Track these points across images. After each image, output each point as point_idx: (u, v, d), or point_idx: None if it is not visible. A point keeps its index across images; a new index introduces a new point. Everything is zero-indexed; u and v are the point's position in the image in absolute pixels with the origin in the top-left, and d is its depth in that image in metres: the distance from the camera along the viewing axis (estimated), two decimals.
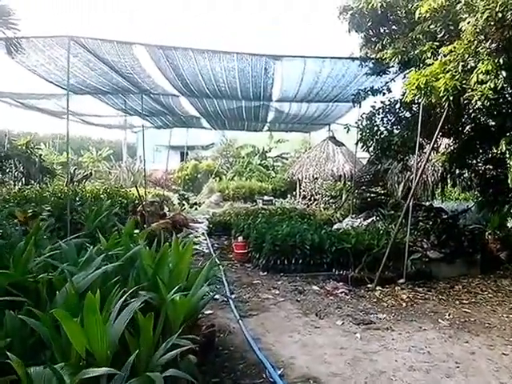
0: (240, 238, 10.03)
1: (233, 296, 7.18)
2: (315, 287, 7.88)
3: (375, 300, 7.32)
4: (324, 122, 17.53)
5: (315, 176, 20.45)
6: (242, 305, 6.86)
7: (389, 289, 7.93)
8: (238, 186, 25.91)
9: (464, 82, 6.73)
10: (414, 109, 9.63)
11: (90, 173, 20.80)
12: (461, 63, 6.76)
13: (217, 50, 8.60)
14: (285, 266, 8.64)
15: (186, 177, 29.38)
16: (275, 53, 8.86)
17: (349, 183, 20.21)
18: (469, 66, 6.72)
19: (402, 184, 13.27)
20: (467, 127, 10.65)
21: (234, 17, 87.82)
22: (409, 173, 13.02)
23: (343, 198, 19.67)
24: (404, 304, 7.15)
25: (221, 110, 14.75)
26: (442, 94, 6.73)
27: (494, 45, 6.63)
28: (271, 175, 28.52)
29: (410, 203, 8.31)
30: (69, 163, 27.57)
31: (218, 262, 9.34)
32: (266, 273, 8.69)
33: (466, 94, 6.69)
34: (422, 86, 6.86)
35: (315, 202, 20.35)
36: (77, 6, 76.62)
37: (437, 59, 7.09)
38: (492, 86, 6.41)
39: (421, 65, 7.48)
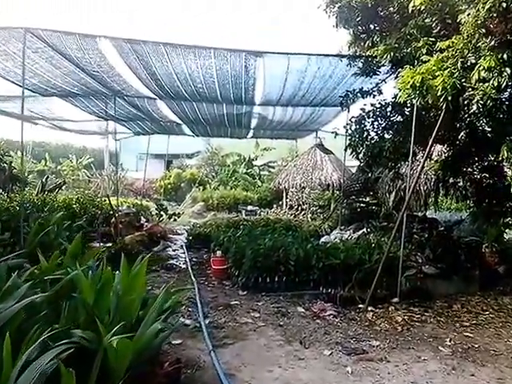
0: (218, 253, 9.20)
1: (207, 321, 6.32)
2: (300, 309, 7.06)
3: (367, 323, 6.53)
4: (311, 128, 16.86)
5: (302, 185, 19.90)
6: (217, 331, 6.02)
7: (382, 309, 7.15)
8: (223, 195, 25.19)
9: (464, 80, 6.03)
10: (406, 112, 8.95)
11: (64, 181, 19.87)
12: (460, 60, 6.07)
13: (191, 45, 7.81)
14: (267, 285, 7.78)
15: (169, 186, 28.64)
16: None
17: (337, 192, 19.64)
18: (469, 63, 6.03)
19: (394, 193, 12.56)
20: (462, 133, 10.05)
21: (233, 17, 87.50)
22: (400, 181, 12.35)
23: (331, 208, 19.05)
24: (399, 328, 6.37)
25: (201, 114, 13.97)
26: (439, 94, 6.01)
27: (496, 39, 5.94)
28: (257, 184, 27.90)
29: (404, 214, 7.54)
30: (46, 171, 27.32)
31: (194, 278, 8.67)
32: (245, 292, 7.83)
33: (466, 94, 5.99)
34: (418, 85, 6.15)
35: (302, 212, 19.72)
36: (77, 7, 76.02)
37: (433, 56, 6.39)
38: (495, 84, 5.73)
39: (415, 62, 6.76)
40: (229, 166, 30.17)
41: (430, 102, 6.24)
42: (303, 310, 6.97)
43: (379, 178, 13.34)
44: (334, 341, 5.76)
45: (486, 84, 5.74)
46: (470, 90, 5.90)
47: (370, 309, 7.14)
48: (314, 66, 8.73)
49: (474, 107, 5.84)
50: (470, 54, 6.01)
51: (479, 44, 5.94)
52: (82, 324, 3.28)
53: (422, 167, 7.49)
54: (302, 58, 8.45)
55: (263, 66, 8.85)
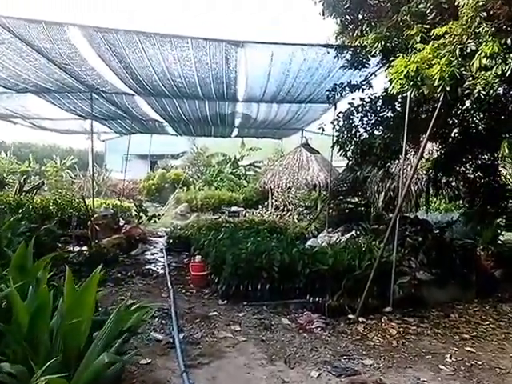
0: (197, 258, 8.58)
1: (181, 335, 5.67)
2: (285, 320, 6.43)
3: (359, 337, 5.93)
4: (297, 126, 16.28)
5: (288, 185, 19.47)
6: (192, 348, 5.37)
7: (374, 320, 6.56)
8: (207, 195, 24.58)
9: (463, 69, 5.48)
10: (397, 108, 8.41)
11: (42, 182, 19.15)
12: (458, 46, 5.52)
13: (166, 34, 7.17)
14: (249, 293, 7.10)
15: (153, 186, 27.95)
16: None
17: (324, 193, 19.23)
18: (468, 50, 5.48)
19: (383, 194, 12.03)
20: (455, 130, 9.58)
21: (233, 17, 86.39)
22: (390, 181, 11.83)
23: (318, 209, 18.60)
24: (394, 342, 5.79)
25: (183, 112, 13.31)
26: (436, 84, 5.45)
27: (499, 23, 5.39)
28: (243, 184, 27.37)
29: (397, 216, 6.96)
30: (30, 172, 26.57)
31: (171, 286, 8.03)
32: (225, 301, 7.18)
33: (466, 83, 5.43)
34: (412, 74, 5.60)
35: (288, 213, 19.18)
36: (76, 6, 74.95)
37: (427, 44, 5.82)
38: (498, 72, 5.20)
39: (409, 50, 6.19)
40: (214, 166, 29.65)
41: (425, 93, 5.67)
42: (288, 322, 6.36)
43: (367, 178, 12.82)
44: (322, 359, 5.16)
45: (488, 72, 5.20)
46: (471, 79, 5.35)
47: (360, 320, 6.56)
48: (300, 57, 8.12)
49: (483, 93, 5.23)
50: (469, 40, 5.47)
51: (480, 29, 5.39)
52: (13, 355, 2.65)
53: (417, 165, 6.90)
54: (287, 48, 7.83)
55: (245, 58, 8.23)
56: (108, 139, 33.60)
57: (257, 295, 7.09)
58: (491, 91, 5.20)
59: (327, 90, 8.31)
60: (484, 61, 5.20)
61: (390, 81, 6.04)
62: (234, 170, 29.09)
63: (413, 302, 7.19)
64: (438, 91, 5.47)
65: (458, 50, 5.44)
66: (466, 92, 5.40)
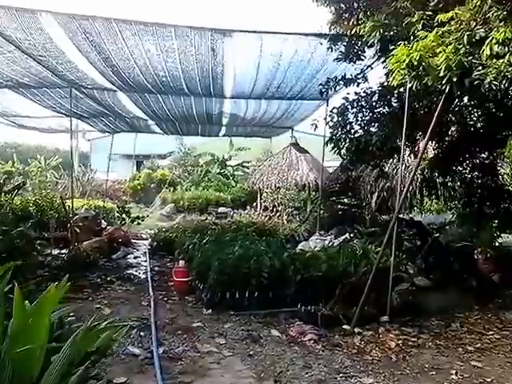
0: (181, 263, 8.02)
1: (161, 349, 5.12)
2: (275, 332, 5.90)
3: (355, 351, 5.42)
4: (286, 124, 15.76)
5: (277, 185, 19.05)
6: (173, 364, 4.82)
7: (370, 332, 6.06)
8: (194, 196, 24.13)
9: (470, 57, 5.00)
10: (393, 103, 7.95)
11: (23, 182, 18.41)
12: (466, 33, 5.02)
13: (146, 22, 6.61)
14: (236, 301, 6.54)
15: (138, 187, 27.37)
16: None
17: (313, 193, 18.86)
18: (477, 37, 4.98)
19: (376, 194, 11.58)
20: (452, 128, 9.19)
21: (221, 6, 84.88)
22: (383, 181, 11.39)
23: (308, 210, 18.20)
24: (394, 357, 5.29)
25: (168, 109, 12.71)
26: (442, 74, 4.97)
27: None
28: (231, 185, 26.94)
29: (396, 218, 6.47)
30: (14, 173, 25.95)
31: (152, 293, 7.50)
32: (210, 310, 6.63)
33: (476, 73, 4.94)
34: (415, 64, 5.11)
35: (277, 214, 18.74)
36: (73, 5, 73.66)
37: (431, 32, 5.34)
38: None
39: (410, 39, 5.71)
40: (202, 166, 29.29)
41: (429, 84, 5.19)
42: (278, 334, 5.83)
43: (360, 178, 12.37)
44: (316, 377, 4.63)
45: (501, 60, 4.71)
46: (480, 68, 4.87)
47: (356, 330, 6.06)
48: (291, 49, 7.61)
49: (494, 84, 4.75)
50: (478, 26, 4.99)
51: (490, 14, 4.92)
52: None
53: (419, 164, 6.41)
54: (277, 39, 7.31)
55: (233, 50, 7.70)
56: (94, 139, 33.16)
57: (244, 304, 6.54)
58: (504, 81, 4.73)
59: (320, 84, 7.79)
60: (495, 48, 4.72)
61: (389, 72, 5.58)
62: (222, 170, 28.74)
63: (410, 310, 6.72)
64: (444, 82, 4.99)
65: (465, 37, 4.96)
66: (476, 82, 4.90)
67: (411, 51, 5.13)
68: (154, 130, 18.00)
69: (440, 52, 4.97)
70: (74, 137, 32.05)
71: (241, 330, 5.88)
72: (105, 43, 7.45)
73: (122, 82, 9.63)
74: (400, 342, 5.74)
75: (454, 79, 4.92)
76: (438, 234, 9.13)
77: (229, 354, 5.13)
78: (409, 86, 5.46)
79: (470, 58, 4.95)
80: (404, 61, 5.13)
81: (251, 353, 5.19)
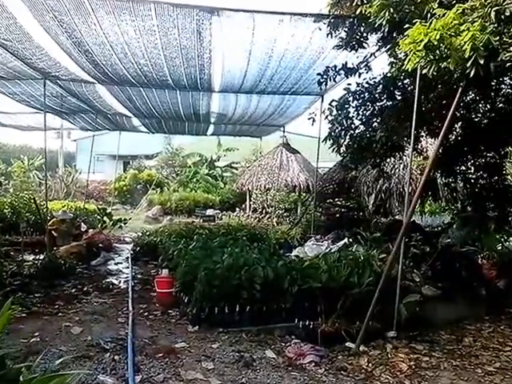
0: (164, 272, 7.25)
1: (138, 378, 4.33)
2: (270, 353, 5.14)
3: (363, 376, 4.69)
4: (277, 123, 15.02)
5: (267, 186, 18.60)
6: None
7: (377, 350, 5.35)
8: (182, 197, 23.52)
9: (498, 37, 4.31)
10: (397, 96, 7.28)
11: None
12: (493, 9, 4.32)
13: None
14: (225, 317, 5.76)
15: (124, 188, 26.61)
16: None
17: (304, 194, 18.42)
18: (507, 13, 4.28)
19: (374, 196, 10.92)
20: (455, 125, 8.58)
21: None
22: (381, 182, 10.74)
23: (299, 212, 17.69)
24: (407, 383, 4.58)
25: (152, 105, 11.90)
26: (467, 55, 4.26)
27: None
28: (219, 186, 26.38)
29: (408, 222, 5.75)
30: None
31: (131, 307, 6.72)
32: (196, 327, 5.83)
33: (507, 54, 4.24)
34: (435, 44, 4.40)
35: (267, 216, 18.18)
36: None
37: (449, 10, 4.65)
38: None
39: (424, 20, 5.01)
40: (190, 166, 28.79)
41: (451, 68, 4.48)
42: (274, 356, 5.07)
43: (356, 178, 11.73)
44: None
45: None
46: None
47: (361, 349, 5.35)
48: (287, 33, 6.84)
49: None
50: (508, 1, 4.28)
51: None
52: None
53: (434, 162, 5.66)
54: (271, 21, 6.54)
55: (221, 34, 6.91)
56: (79, 139, 32.43)
57: (235, 319, 5.77)
58: None
59: (318, 74, 7.04)
60: None
61: (405, 54, 4.88)
62: (211, 171, 28.41)
63: (418, 323, 6.05)
64: (469, 65, 4.29)
65: (492, 13, 4.27)
66: (508, 65, 4.21)
67: (429, 30, 4.43)
68: (139, 129, 17.25)
69: (464, 31, 4.27)
70: (58, 136, 31.62)
71: (231, 352, 5.09)
72: (75, 24, 6.57)
73: (99, 72, 8.79)
74: (412, 363, 5.04)
75: (481, 61, 4.22)
76: (447, 239, 8.48)
77: (218, 383, 4.37)
78: (424, 71, 4.77)
79: (497, 37, 4.27)
80: (421, 41, 4.43)
81: (243, 380, 4.43)
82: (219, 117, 13.97)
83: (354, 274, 6.10)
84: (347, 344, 5.45)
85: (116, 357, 4.76)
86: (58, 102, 11.98)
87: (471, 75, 4.33)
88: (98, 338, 5.21)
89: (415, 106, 5.77)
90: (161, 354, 4.91)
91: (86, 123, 15.69)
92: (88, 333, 5.40)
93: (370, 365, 4.95)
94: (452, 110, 5.17)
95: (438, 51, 4.49)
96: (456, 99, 5.14)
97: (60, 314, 6.20)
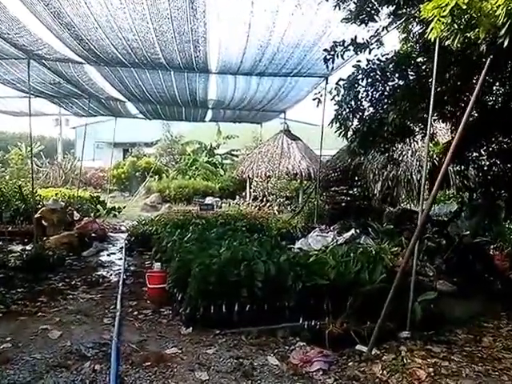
0: (156, 266, 6.71)
1: None
2: (272, 359, 4.58)
3: None
4: (278, 108, 14.43)
5: (268, 174, 18.18)
6: None
7: (391, 354, 4.79)
8: (181, 185, 23.11)
9: None
10: (409, 76, 6.68)
11: None
12: None
13: None
14: (222, 317, 5.21)
15: (122, 175, 26.18)
16: None
17: (305, 182, 18.04)
18: None
19: (380, 184, 10.37)
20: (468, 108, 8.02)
21: None
22: (388, 169, 10.20)
23: (300, 200, 17.27)
24: None
25: (145, 87, 11.26)
26: (501, 22, 3.67)
27: None
28: (219, 173, 26.00)
29: (426, 212, 5.17)
30: None
31: (120, 305, 6.18)
32: (190, 329, 5.27)
33: None
34: (463, 8, 3.80)
35: (268, 204, 17.74)
36: None
37: None
38: None
39: None
40: (189, 154, 28.48)
41: (481, 36, 3.89)
42: (277, 363, 4.51)
43: (361, 165, 11.18)
44: None
45: None
46: None
47: (374, 353, 4.81)
48: (290, 2, 6.19)
49: None
50: None
51: None
52: None
53: (456, 145, 5.04)
54: None
55: (216, 5, 6.26)
56: (78, 126, 32.01)
57: (233, 320, 5.21)
58: None
59: (325, 50, 6.40)
60: None
61: (427, 21, 4.29)
62: (210, 159, 28.03)
63: (433, 321, 5.51)
64: (502, 33, 3.70)
65: None
66: None
67: None
68: (135, 115, 16.66)
69: None
70: (57, 124, 31.29)
71: (228, 358, 4.53)
72: None
73: (85, 49, 8.08)
74: (430, 369, 4.48)
75: None
76: (456, 229, 7.97)
77: None
78: (447, 42, 4.17)
79: None
80: (446, 5, 3.83)
81: None
82: (217, 102, 13.38)
83: (365, 270, 5.55)
84: (358, 347, 4.91)
85: (97, 366, 4.18)
86: (46, 85, 11.35)
87: (505, 45, 3.75)
88: (79, 343, 4.64)
89: (433, 84, 5.20)
90: (149, 363, 4.34)
91: (79, 108, 15.09)
92: (68, 337, 4.81)
93: (385, 372, 4.41)
94: (479, 86, 4.58)
95: (465, 18, 3.90)
96: (483, 75, 4.55)
97: (39, 314, 5.61)
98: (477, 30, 3.90)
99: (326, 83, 9.79)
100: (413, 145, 9.44)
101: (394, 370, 4.46)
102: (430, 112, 5.35)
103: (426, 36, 4.19)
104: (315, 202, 11.37)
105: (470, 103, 4.68)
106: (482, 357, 4.92)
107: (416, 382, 4.25)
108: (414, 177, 10.31)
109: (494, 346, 5.26)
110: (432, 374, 4.41)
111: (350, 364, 4.59)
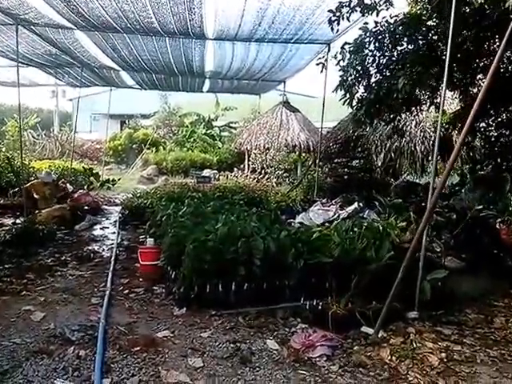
0: (149, 241, 6.37)
1: (106, 382, 3.47)
2: (272, 343, 4.24)
3: (386, 374, 3.80)
4: (277, 77, 13.92)
5: (266, 146, 17.92)
6: None
7: (399, 337, 4.46)
8: (178, 157, 22.82)
9: None
10: (419, 39, 6.26)
11: None
12: None
13: None
14: (218, 297, 4.88)
15: (119, 147, 25.76)
16: None
17: (304, 154, 17.80)
18: None
19: (383, 155, 10.00)
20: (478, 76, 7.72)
21: None
22: (391, 140, 9.83)
23: (299, 172, 17.01)
24: (440, 382, 3.73)
25: (139, 54, 10.77)
26: None
27: None
28: (217, 146, 25.66)
29: (441, 187, 4.77)
30: None
31: (110, 283, 5.84)
32: (184, 310, 4.93)
33: None
34: None
35: (266, 176, 17.50)
36: None
37: None
38: None
39: None
40: (187, 126, 28.00)
41: None
42: (277, 347, 4.17)
43: (363, 136, 10.80)
44: None
45: None
46: None
47: (381, 336, 4.49)
48: None
49: None
50: None
51: None
52: None
53: (476, 112, 4.61)
54: None
55: None
56: (75, 98, 31.44)
57: (230, 300, 4.90)
58: None
59: (329, 11, 5.93)
60: None
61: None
62: (208, 131, 27.61)
63: (441, 301, 5.18)
64: None
65: None
66: None
67: None
68: (130, 85, 16.16)
69: None
70: (53, 95, 30.78)
71: (225, 342, 4.19)
72: None
73: (74, 12, 7.63)
74: (443, 354, 4.16)
75: None
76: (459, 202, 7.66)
77: None
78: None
79: None
80: None
81: (240, 383, 3.57)
82: (215, 72, 12.92)
83: (371, 247, 5.19)
84: (363, 329, 4.59)
85: (82, 352, 3.82)
86: (37, 53, 10.86)
87: None
88: (63, 325, 4.28)
89: (448, 45, 4.76)
90: (138, 348, 3.99)
91: (72, 78, 14.60)
92: (51, 319, 4.46)
93: (394, 358, 4.08)
94: (501, 49, 4.13)
95: None
96: (506, 36, 4.10)
97: (24, 293, 5.25)
98: None
99: (328, 51, 9.31)
100: (417, 115, 9.08)
101: (404, 355, 4.14)
102: (445, 77, 4.94)
103: None
104: (315, 175, 11.02)
105: (491, 69, 4.22)
106: (495, 340, 4.62)
107: (428, 369, 3.94)
108: (418, 148, 9.96)
109: (506, 327, 4.97)
110: (444, 359, 4.10)
111: (356, 348, 4.27)
